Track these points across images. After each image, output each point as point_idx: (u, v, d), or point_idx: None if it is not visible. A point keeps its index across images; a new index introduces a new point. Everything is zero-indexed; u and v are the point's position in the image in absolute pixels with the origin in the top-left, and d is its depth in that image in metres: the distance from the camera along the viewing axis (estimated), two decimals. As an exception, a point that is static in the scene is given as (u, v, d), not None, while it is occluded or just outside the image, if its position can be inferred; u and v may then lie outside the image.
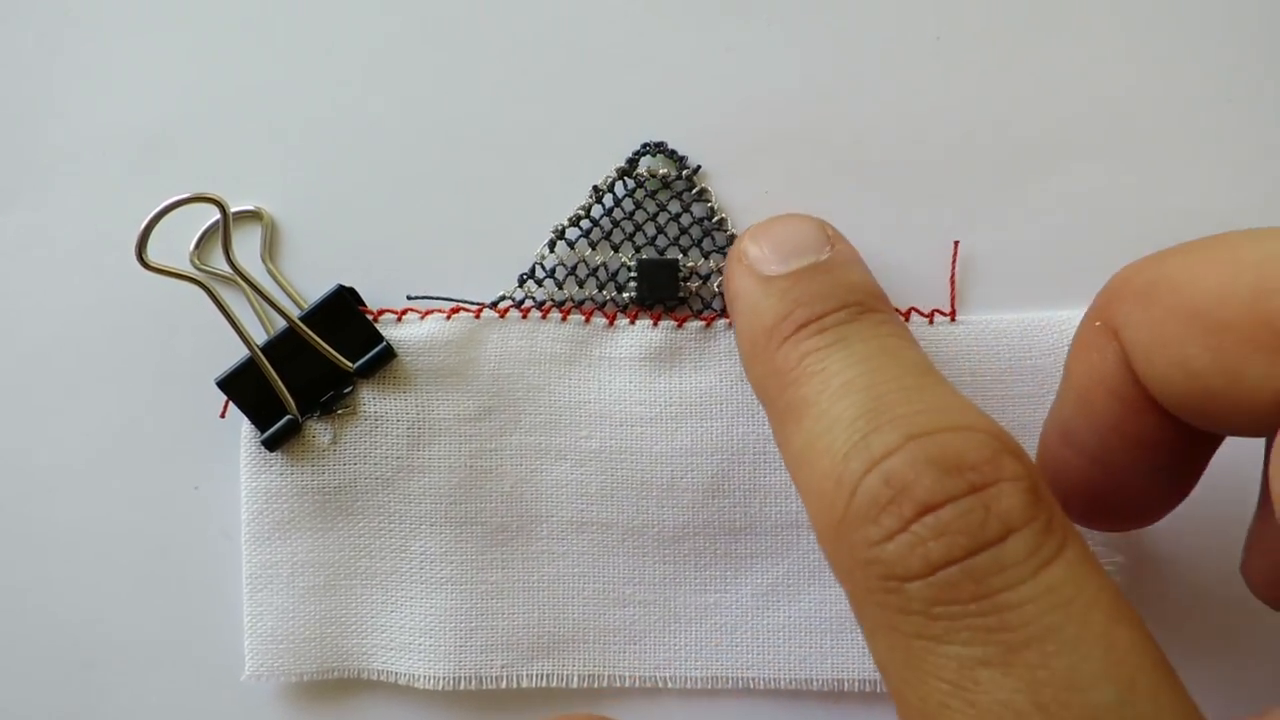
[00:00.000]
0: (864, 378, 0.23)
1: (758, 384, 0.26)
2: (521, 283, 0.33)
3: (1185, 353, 0.21)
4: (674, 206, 0.33)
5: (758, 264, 0.27)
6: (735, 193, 0.33)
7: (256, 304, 0.33)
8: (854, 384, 0.22)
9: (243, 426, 0.32)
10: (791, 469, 0.23)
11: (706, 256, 0.33)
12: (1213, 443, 0.25)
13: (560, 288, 0.33)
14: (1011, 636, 0.18)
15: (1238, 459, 0.26)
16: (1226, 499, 0.30)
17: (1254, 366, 0.20)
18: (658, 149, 0.33)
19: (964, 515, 0.19)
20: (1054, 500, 0.20)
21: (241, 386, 0.32)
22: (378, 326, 0.32)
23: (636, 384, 0.32)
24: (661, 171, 0.33)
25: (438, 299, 0.33)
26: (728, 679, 0.32)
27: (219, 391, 0.32)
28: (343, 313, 0.32)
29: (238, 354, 0.32)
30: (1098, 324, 0.24)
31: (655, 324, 0.33)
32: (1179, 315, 0.21)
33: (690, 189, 0.33)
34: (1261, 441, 0.23)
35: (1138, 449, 0.24)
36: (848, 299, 0.25)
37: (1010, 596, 0.19)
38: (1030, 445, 0.26)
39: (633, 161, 0.33)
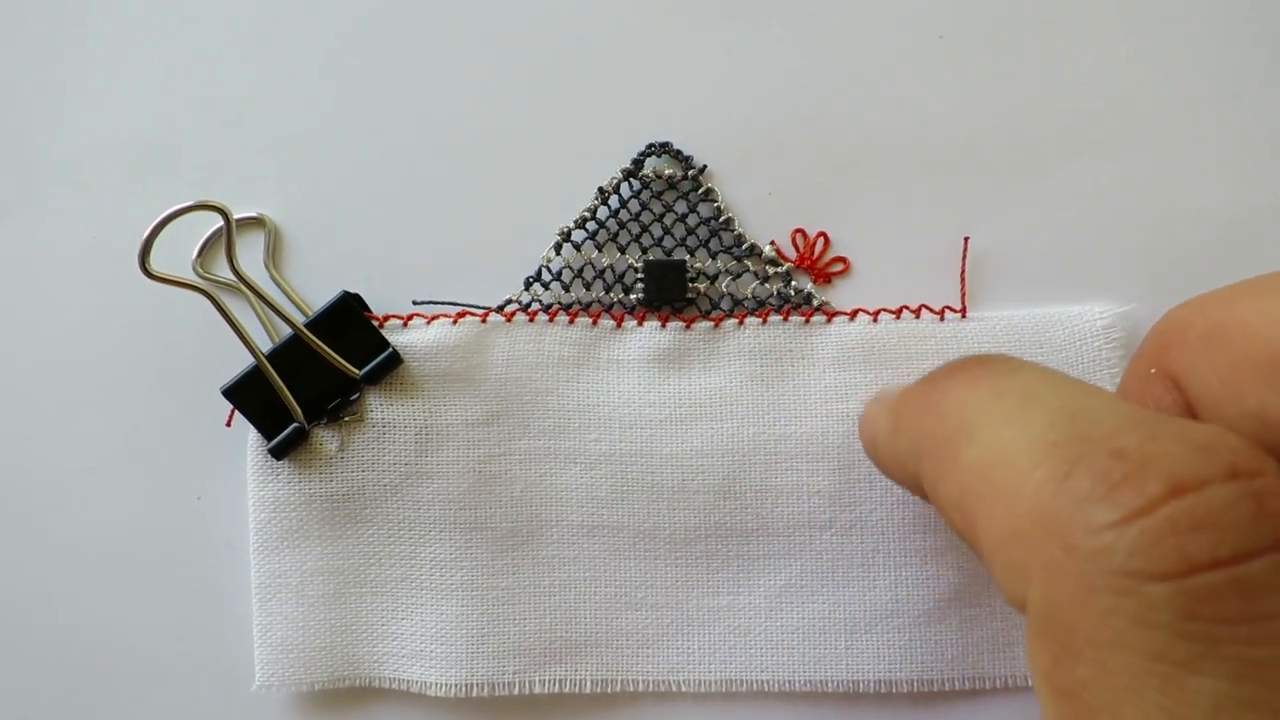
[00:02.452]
0: (1046, 388, 0.19)
1: (906, 438, 0.22)
2: (528, 286, 0.33)
3: (1263, 403, 0.19)
4: (680, 207, 0.33)
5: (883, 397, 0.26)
6: (741, 193, 0.33)
7: (261, 312, 0.32)
8: (1036, 395, 0.19)
9: (249, 435, 0.32)
10: (961, 489, 0.19)
11: (714, 257, 0.33)
12: None
13: (567, 290, 0.33)
14: None
15: None
16: None
17: None
18: (663, 150, 0.33)
19: (1233, 503, 0.15)
20: None
21: (247, 395, 0.32)
22: (384, 332, 0.32)
23: (645, 386, 0.32)
24: (667, 172, 0.33)
25: (443, 304, 0.33)
26: (742, 681, 0.32)
27: (222, 401, 0.32)
28: (348, 319, 0.32)
29: (241, 362, 0.31)
30: (1152, 371, 0.22)
31: (663, 325, 0.32)
32: (1255, 363, 0.19)
33: (696, 189, 0.33)
34: None
35: None
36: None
37: None
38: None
39: (638, 162, 0.33)
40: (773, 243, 0.33)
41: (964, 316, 0.32)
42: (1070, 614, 0.16)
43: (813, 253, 0.33)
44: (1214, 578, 0.15)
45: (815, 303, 0.33)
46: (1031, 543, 0.17)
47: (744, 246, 0.33)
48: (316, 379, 0.32)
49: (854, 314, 0.32)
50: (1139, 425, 0.16)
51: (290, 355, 0.31)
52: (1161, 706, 0.15)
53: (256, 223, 0.33)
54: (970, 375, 0.20)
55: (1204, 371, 0.20)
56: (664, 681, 0.32)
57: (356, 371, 0.32)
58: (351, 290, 0.32)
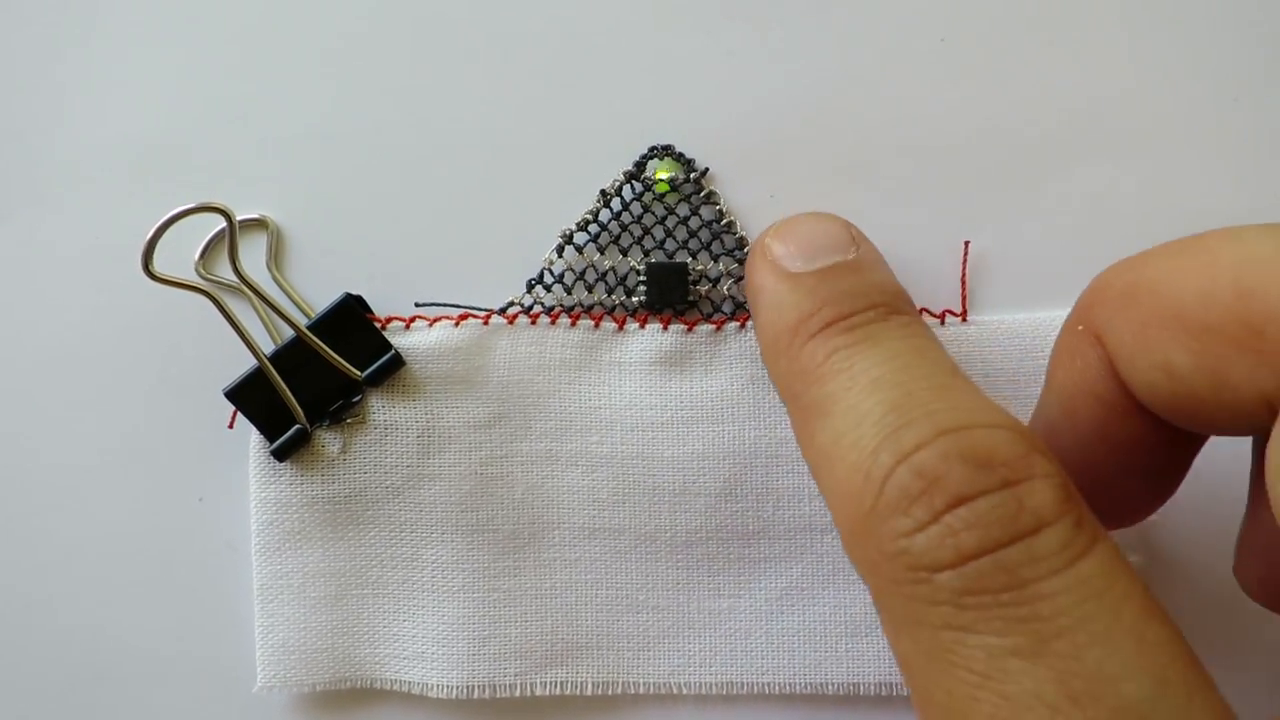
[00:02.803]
0: (893, 375, 0.22)
1: (780, 380, 0.25)
2: (530, 288, 0.33)
3: (1168, 356, 0.21)
4: (682, 210, 0.33)
5: (782, 260, 0.26)
6: (744, 195, 0.33)
7: (264, 313, 0.32)
8: (883, 381, 0.22)
9: (251, 437, 0.32)
10: (814, 466, 0.23)
11: (715, 260, 0.33)
12: (1197, 442, 0.25)
13: (569, 293, 0.33)
14: (1043, 627, 0.18)
15: (1228, 457, 0.26)
16: (1217, 499, 0.30)
17: (1237, 368, 0.20)
18: (665, 152, 0.33)
19: (997, 507, 0.19)
20: (1082, 499, 0.20)
21: (250, 397, 0.32)
22: (386, 334, 0.32)
23: (647, 389, 0.32)
24: (669, 175, 0.33)
25: (446, 306, 0.33)
26: (743, 684, 0.32)
27: (223, 402, 0.32)
28: (350, 321, 0.32)
29: (243, 364, 0.31)
30: (1080, 328, 0.24)
31: (665, 328, 0.33)
32: (1161, 318, 0.21)
33: (698, 192, 0.33)
34: (1249, 439, 0.23)
35: (1123, 452, 0.24)
36: (876, 299, 0.25)
37: (1042, 587, 0.19)
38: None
39: (640, 165, 0.33)
40: (775, 246, 0.33)
41: (964, 320, 0.32)
42: (887, 600, 0.20)
43: (814, 256, 0.33)
44: (982, 563, 0.19)
45: (817, 306, 0.33)
46: (859, 543, 0.21)
47: (746, 249, 0.33)
48: (319, 381, 0.32)
49: (855, 317, 0.32)
50: (944, 436, 0.20)
51: (292, 357, 0.32)
52: (954, 663, 0.19)
53: (259, 224, 0.33)
54: (836, 341, 0.24)
55: (1119, 328, 0.22)
56: (665, 684, 0.32)
57: (359, 373, 0.32)
58: (354, 292, 0.33)
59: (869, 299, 0.25)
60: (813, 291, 0.25)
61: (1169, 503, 0.26)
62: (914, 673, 0.20)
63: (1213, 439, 0.25)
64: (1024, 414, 0.32)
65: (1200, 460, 0.25)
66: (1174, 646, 0.19)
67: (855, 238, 0.27)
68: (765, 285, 0.26)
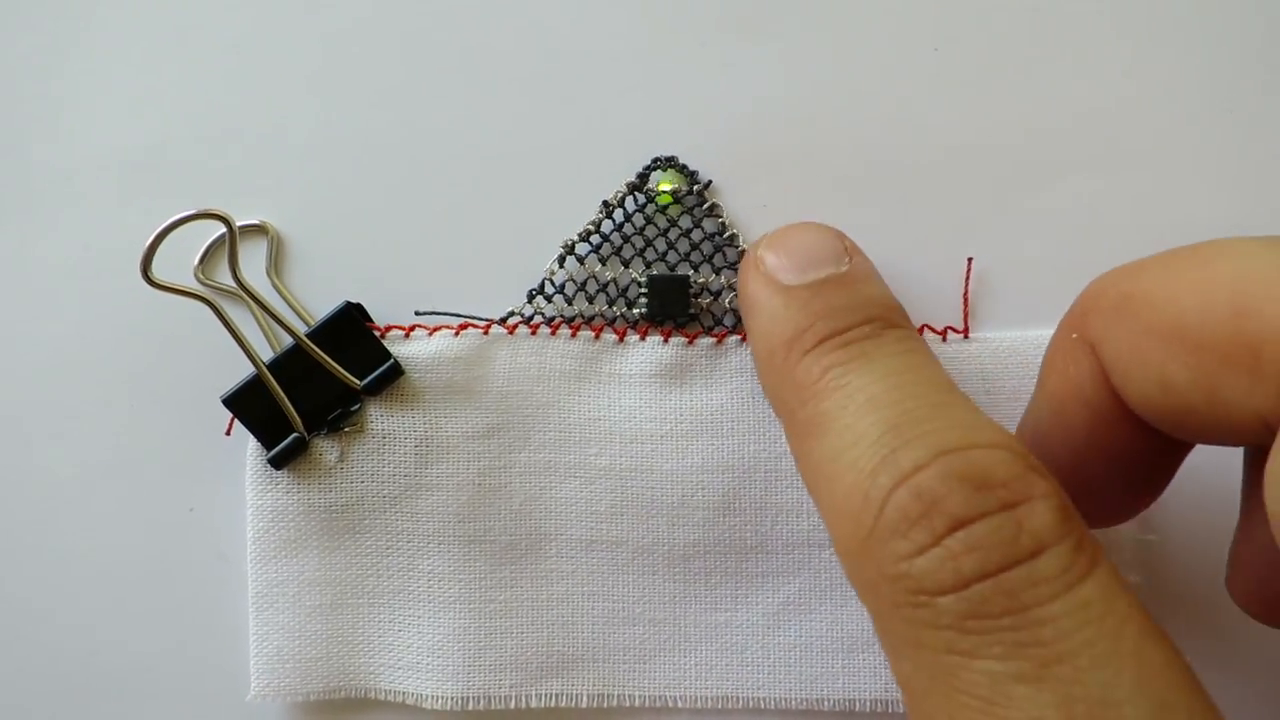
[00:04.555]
0: (889, 393, 0.23)
1: (774, 394, 0.26)
2: (531, 298, 0.33)
3: (1164, 370, 0.21)
4: (685, 222, 0.33)
5: (776, 272, 0.26)
6: (747, 208, 0.33)
7: (262, 320, 0.32)
8: (879, 399, 0.22)
9: (249, 444, 0.32)
10: (810, 483, 0.23)
11: (718, 272, 0.33)
12: (1186, 449, 0.25)
13: (570, 304, 0.33)
14: (1044, 652, 0.18)
15: (1223, 471, 0.26)
16: (1211, 513, 0.31)
17: (1233, 386, 0.20)
18: (668, 164, 0.33)
19: (996, 530, 0.19)
20: (1081, 520, 0.20)
21: (248, 404, 0.31)
22: (385, 343, 0.32)
23: (647, 401, 0.32)
24: (672, 186, 0.33)
25: (446, 315, 0.33)
26: (738, 698, 0.32)
27: (216, 411, 0.32)
28: (350, 329, 0.32)
29: (241, 371, 0.31)
30: (1074, 336, 0.24)
31: (666, 340, 0.32)
32: (1157, 333, 0.21)
33: (701, 204, 0.33)
34: (1239, 451, 0.24)
35: (1112, 458, 0.24)
36: (870, 313, 0.25)
37: (1043, 611, 0.19)
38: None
39: (643, 176, 0.33)
40: (777, 259, 0.33)
41: (966, 337, 0.32)
42: (888, 623, 0.20)
43: (816, 270, 0.33)
44: (983, 586, 0.19)
45: (818, 320, 0.32)
46: (858, 564, 0.21)
47: (748, 262, 0.33)
48: (317, 389, 0.32)
49: (857, 332, 0.32)
50: (942, 457, 0.20)
51: (291, 365, 0.31)
52: (956, 688, 0.19)
53: (259, 230, 0.33)
54: (831, 358, 0.24)
55: (1114, 340, 0.22)
56: (660, 697, 0.32)
57: (357, 382, 0.32)
58: (354, 300, 0.32)
59: (864, 313, 0.25)
60: (806, 305, 0.25)
61: (1163, 518, 0.26)
62: (915, 696, 0.20)
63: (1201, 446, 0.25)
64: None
65: (1194, 474, 0.25)
66: (1175, 669, 0.19)
67: (848, 249, 0.27)
68: (758, 298, 0.26)
